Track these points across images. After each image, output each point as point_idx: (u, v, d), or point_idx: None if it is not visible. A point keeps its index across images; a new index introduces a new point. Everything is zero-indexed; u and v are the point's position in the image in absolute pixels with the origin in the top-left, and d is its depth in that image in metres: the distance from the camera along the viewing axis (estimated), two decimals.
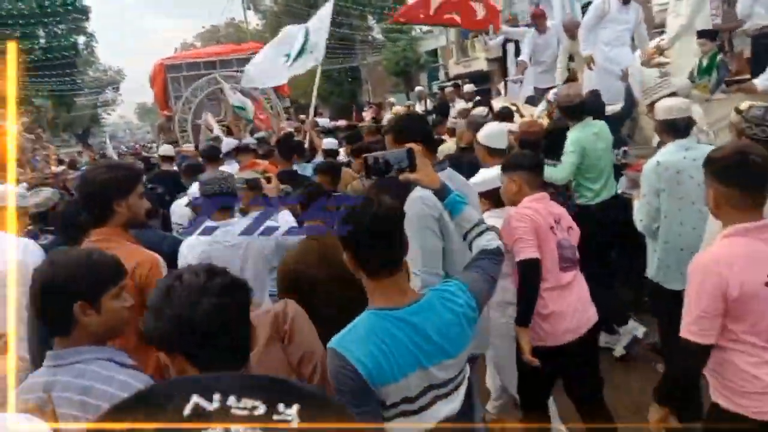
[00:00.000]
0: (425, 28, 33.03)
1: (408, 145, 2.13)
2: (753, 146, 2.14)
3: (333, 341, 1.72)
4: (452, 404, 1.81)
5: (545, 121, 5.65)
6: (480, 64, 28.76)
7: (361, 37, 36.72)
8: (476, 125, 4.81)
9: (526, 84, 8.19)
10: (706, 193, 2.17)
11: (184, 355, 1.35)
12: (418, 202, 2.38)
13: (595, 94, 5.51)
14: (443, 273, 2.44)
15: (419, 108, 12.15)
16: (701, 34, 5.43)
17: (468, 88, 11.28)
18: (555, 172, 4.37)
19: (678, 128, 3.35)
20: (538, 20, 7.98)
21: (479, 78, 23.51)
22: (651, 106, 4.52)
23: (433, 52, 35.45)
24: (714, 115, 4.82)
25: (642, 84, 5.38)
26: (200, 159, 6.85)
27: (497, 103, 7.75)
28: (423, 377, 1.73)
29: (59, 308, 1.67)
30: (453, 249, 2.46)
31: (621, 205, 4.58)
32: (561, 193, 4.48)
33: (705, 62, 5.25)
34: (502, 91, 10.14)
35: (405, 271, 1.80)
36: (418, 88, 14.93)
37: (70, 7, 27.16)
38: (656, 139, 4.19)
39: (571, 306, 2.88)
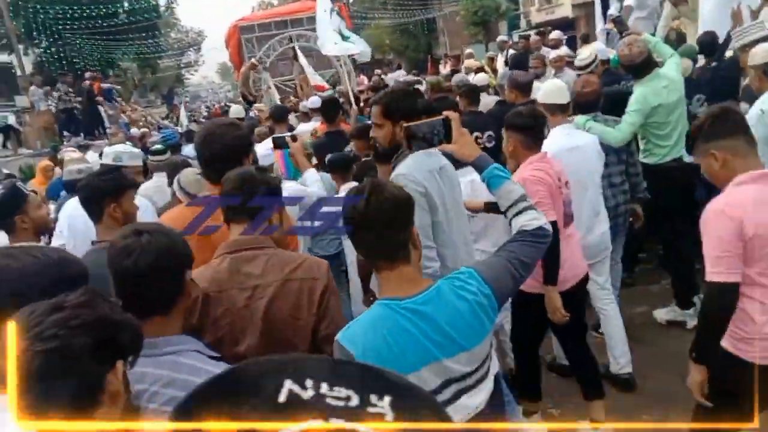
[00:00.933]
0: None
1: (445, 113, 2.03)
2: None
3: (339, 333, 1.65)
4: (478, 398, 1.70)
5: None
6: (565, 11, 27.18)
7: None
8: (519, 84, 4.85)
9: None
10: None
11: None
12: (401, 180, 2.32)
13: (711, 35, 5.13)
14: (434, 245, 2.49)
15: (500, 59, 11.43)
16: None
17: (555, 34, 10.27)
18: (609, 134, 4.03)
19: None
20: None
21: (564, 25, 22.14)
22: (743, 49, 4.18)
23: (513, 0, 33.81)
24: None
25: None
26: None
27: (586, 51, 7.11)
28: (439, 371, 1.62)
29: (171, 280, 1.59)
30: (440, 221, 2.54)
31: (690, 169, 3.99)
32: (624, 150, 4.17)
33: None
34: (599, 37, 9.27)
35: (415, 261, 1.69)
36: (500, 38, 13.99)
37: None
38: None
39: (568, 258, 3.09)
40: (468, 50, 14.10)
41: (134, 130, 10.97)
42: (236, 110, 8.47)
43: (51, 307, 1.07)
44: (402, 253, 1.66)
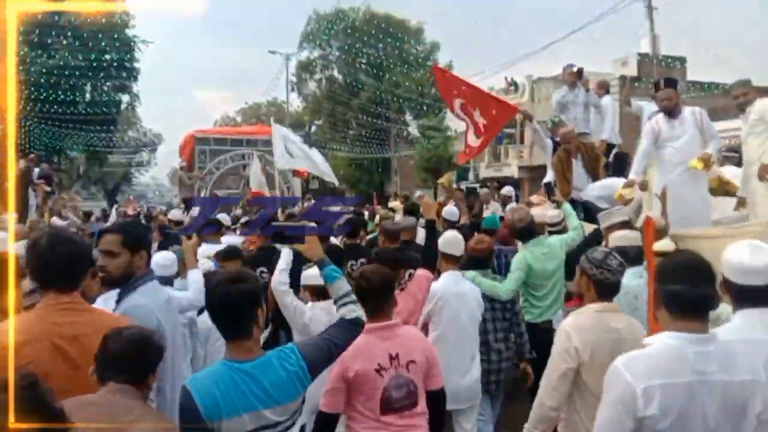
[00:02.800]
0: (460, 129, 33.50)
1: (303, 223, 3.04)
2: None
3: (187, 379, 2.23)
4: None
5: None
6: (511, 171, 28.71)
7: (395, 131, 37.32)
8: (387, 231, 5.16)
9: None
10: None
11: None
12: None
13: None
14: None
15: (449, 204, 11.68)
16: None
17: (506, 190, 11.01)
18: (497, 288, 4.44)
19: (629, 257, 3.52)
20: None
21: (509, 184, 23.21)
22: (607, 229, 4.56)
23: None
24: None
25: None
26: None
27: (554, 211, 7.22)
28: (256, 418, 2.11)
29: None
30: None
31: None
32: (507, 308, 4.52)
33: None
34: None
35: (256, 337, 2.20)
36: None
37: (120, 67, 28.05)
38: None
39: None
40: (418, 192, 14.68)
41: (54, 219, 10.39)
42: (174, 214, 8.29)
43: None
44: (243, 333, 2.17)
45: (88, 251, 2.46)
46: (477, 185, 24.49)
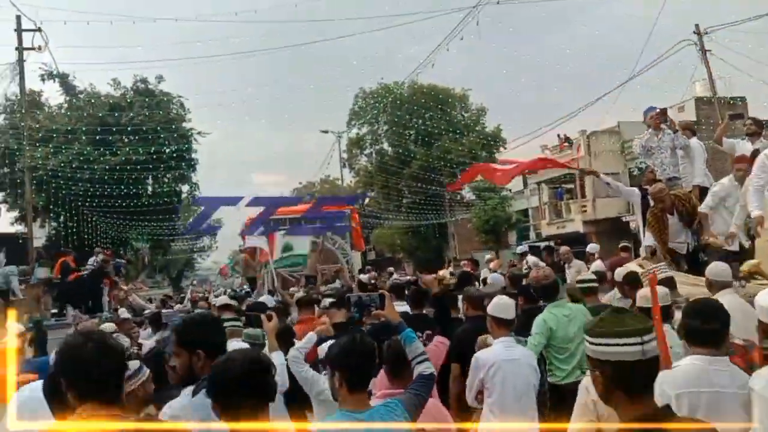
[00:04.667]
0: (515, 188, 32.94)
1: (381, 292, 3.66)
2: None
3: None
4: None
5: None
6: (575, 226, 27.72)
7: (450, 195, 37.04)
8: (471, 298, 5.22)
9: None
10: None
11: None
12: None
13: None
14: None
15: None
16: None
17: (564, 250, 10.61)
18: None
19: (663, 315, 3.57)
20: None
21: (573, 240, 22.29)
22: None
23: (524, 212, 34.90)
24: None
25: None
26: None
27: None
28: None
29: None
30: None
31: None
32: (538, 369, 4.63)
33: None
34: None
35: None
36: (520, 248, 14.43)
37: (179, 158, 29.06)
38: None
39: None
40: (488, 255, 15.39)
41: (122, 310, 10.32)
42: (222, 300, 8.24)
43: None
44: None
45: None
46: (541, 244, 23.62)
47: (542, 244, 20.65)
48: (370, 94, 40.84)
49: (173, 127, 28.98)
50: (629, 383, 1.76)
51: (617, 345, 1.75)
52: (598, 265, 7.90)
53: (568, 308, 4.97)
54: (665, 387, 2.48)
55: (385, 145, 42.38)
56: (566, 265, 9.29)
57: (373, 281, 11.03)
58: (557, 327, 4.75)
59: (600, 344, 1.79)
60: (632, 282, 5.48)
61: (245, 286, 15.50)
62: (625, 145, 23.01)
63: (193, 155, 31.66)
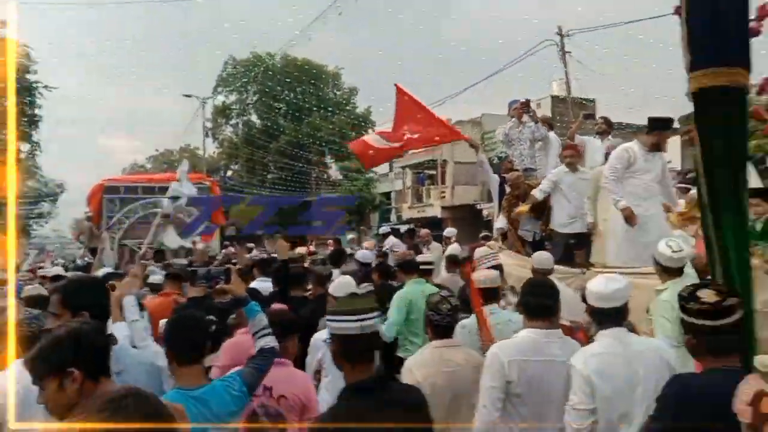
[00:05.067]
0: (381, 170, 33.54)
1: (227, 266, 3.88)
2: None
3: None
4: None
5: None
6: (434, 211, 28.82)
7: (316, 173, 36.87)
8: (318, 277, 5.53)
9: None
10: None
11: None
12: None
13: None
14: None
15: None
16: (756, 192, 4.66)
17: (424, 233, 10.99)
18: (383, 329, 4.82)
19: (491, 295, 4.02)
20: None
21: (432, 224, 23.20)
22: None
23: (387, 195, 35.68)
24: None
25: None
26: None
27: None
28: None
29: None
30: None
31: None
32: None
33: (759, 226, 4.37)
34: None
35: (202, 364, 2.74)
36: (383, 229, 14.81)
37: (21, 115, 26.13)
38: None
39: None
40: (351, 235, 14.95)
41: None
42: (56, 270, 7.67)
43: None
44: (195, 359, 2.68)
45: None
46: (401, 227, 24.24)
47: (403, 227, 21.25)
48: (240, 62, 39.34)
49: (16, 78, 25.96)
50: (351, 353, 2.18)
51: (342, 321, 2.19)
52: (454, 248, 8.25)
53: (424, 285, 5.24)
54: (500, 354, 2.90)
55: (254, 117, 41.15)
56: (425, 248, 9.57)
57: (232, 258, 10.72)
58: (416, 300, 4.94)
59: (332, 321, 2.23)
60: (452, 262, 7.11)
61: (86, 258, 14.41)
62: (485, 135, 24.17)
63: (36, 111, 28.70)
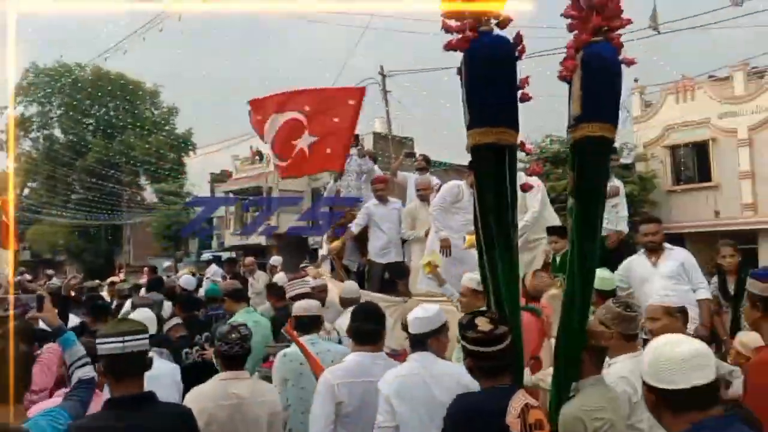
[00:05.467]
0: (201, 193, 32.25)
1: (39, 293, 3.66)
2: None
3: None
4: None
5: None
6: (259, 238, 28.31)
7: (128, 195, 34.38)
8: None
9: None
10: None
11: None
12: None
13: None
14: None
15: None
16: (553, 230, 5.21)
17: (249, 261, 10.60)
18: None
19: (306, 325, 3.88)
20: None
21: (256, 251, 22.79)
22: (291, 299, 4.90)
23: (208, 220, 34.36)
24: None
25: None
26: None
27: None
28: None
29: None
30: None
31: None
32: None
33: (558, 259, 4.98)
34: None
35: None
36: (205, 256, 13.91)
37: None
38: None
39: None
40: (167, 263, 13.63)
41: None
42: None
43: None
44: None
45: None
46: (223, 254, 23.46)
47: (225, 255, 20.51)
48: (44, 71, 35.68)
49: None
50: (115, 370, 2.43)
51: (105, 343, 2.43)
52: (280, 277, 8.16)
53: (256, 316, 5.31)
54: (330, 378, 3.10)
55: (57, 131, 37.44)
56: (251, 276, 9.36)
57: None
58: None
59: (99, 343, 2.45)
60: (275, 291, 6.57)
61: None
62: None
63: None
